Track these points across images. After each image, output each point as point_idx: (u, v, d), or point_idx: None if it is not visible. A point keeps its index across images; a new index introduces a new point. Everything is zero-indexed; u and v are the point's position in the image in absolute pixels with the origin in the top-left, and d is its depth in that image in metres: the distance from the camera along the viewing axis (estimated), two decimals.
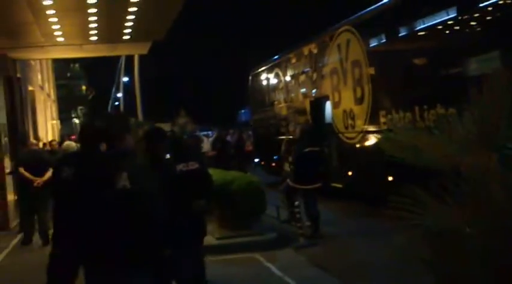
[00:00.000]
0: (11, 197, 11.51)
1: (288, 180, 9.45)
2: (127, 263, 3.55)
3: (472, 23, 8.87)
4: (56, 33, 11.99)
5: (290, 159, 9.84)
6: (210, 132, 28.82)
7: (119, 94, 43.72)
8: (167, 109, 30.35)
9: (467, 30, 8.91)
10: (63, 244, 4.55)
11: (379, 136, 10.33)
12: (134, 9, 10.46)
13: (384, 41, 11.05)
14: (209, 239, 8.53)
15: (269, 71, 18.07)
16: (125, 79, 40.53)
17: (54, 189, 4.71)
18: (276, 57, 17.60)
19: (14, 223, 11.36)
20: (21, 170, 10.01)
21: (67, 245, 4.50)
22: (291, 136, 10.93)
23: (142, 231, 3.53)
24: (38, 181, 9.70)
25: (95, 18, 10.90)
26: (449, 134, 2.98)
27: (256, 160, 19.82)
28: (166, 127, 10.66)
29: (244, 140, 22.40)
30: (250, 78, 20.28)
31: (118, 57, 34.95)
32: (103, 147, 4.13)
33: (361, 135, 11.43)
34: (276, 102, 17.31)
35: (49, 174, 8.90)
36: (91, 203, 3.74)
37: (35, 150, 10.67)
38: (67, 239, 4.50)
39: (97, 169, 4.19)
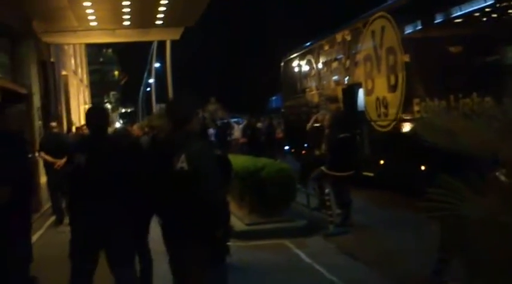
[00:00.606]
0: (44, 179, 11.70)
1: (322, 167, 9.36)
2: (185, 237, 3.80)
3: (510, 11, 8.63)
4: (89, 18, 12.11)
5: (323, 146, 9.76)
6: (240, 119, 28.81)
7: (151, 80, 44.05)
8: (198, 96, 30.44)
9: (505, 17, 8.66)
10: (79, 230, 4.61)
11: (412, 124, 10.17)
12: None
13: (420, 27, 10.84)
14: (239, 225, 8.58)
15: (301, 57, 17.93)
16: (157, 65, 40.78)
17: (69, 174, 4.76)
18: (308, 43, 17.45)
19: (47, 205, 11.56)
20: (43, 154, 10.28)
21: (84, 231, 4.56)
22: (317, 124, 10.83)
23: (197, 210, 3.70)
24: (58, 163, 9.84)
25: (128, 2, 10.98)
26: (488, 119, 2.89)
27: (287, 147, 19.76)
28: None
29: (275, 127, 22.36)
30: (282, 64, 20.18)
31: (150, 43, 35.16)
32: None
33: (394, 123, 11.26)
34: (307, 89, 17.19)
35: None
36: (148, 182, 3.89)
37: (55, 133, 10.90)
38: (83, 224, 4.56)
39: (108, 153, 4.34)
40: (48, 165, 10.44)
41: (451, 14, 9.79)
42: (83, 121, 21.16)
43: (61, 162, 9.69)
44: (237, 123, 26.81)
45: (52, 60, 15.47)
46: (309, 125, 10.97)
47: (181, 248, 3.88)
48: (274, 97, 35.82)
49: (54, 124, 11.22)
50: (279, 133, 21.99)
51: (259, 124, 21.41)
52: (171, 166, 3.76)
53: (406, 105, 10.76)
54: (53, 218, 10.70)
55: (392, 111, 11.35)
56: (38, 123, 12.43)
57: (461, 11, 9.49)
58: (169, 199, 3.83)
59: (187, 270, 3.89)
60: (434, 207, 2.85)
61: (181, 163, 3.72)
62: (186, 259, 3.87)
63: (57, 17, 12.20)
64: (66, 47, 19.82)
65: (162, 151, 4.09)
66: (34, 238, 8.45)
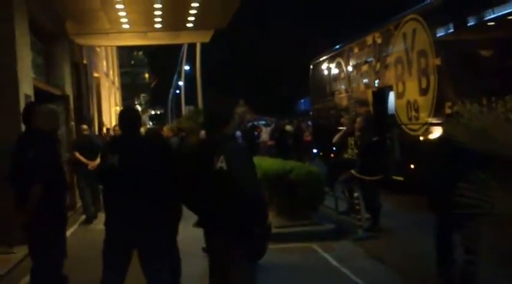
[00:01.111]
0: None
1: (352, 170, 9.29)
2: (224, 233, 4.00)
3: None
4: (121, 20, 12.26)
5: (355, 149, 9.68)
6: (264, 121, 28.84)
7: (180, 83, 44.39)
8: (227, 98, 30.59)
9: None
10: (113, 229, 4.66)
11: (444, 126, 10.04)
12: None
13: (452, 30, 10.71)
14: None
15: (330, 60, 17.87)
16: (187, 67, 41.08)
17: (101, 174, 4.82)
18: (337, 46, 17.38)
19: (80, 202, 11.73)
20: (77, 154, 10.56)
21: (118, 230, 4.61)
22: (343, 127, 10.73)
23: (236, 207, 3.91)
24: (91, 164, 10.27)
25: (159, 5, 11.07)
26: None
27: (315, 150, 19.69)
28: None
29: (303, 130, 22.31)
30: (311, 67, 20.13)
31: (180, 46, 35.46)
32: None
33: (425, 127, 11.14)
34: (336, 92, 17.12)
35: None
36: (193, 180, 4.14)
37: (86, 135, 11.16)
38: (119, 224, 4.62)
39: (138, 154, 4.46)
40: (79, 166, 10.66)
41: (484, 17, 9.65)
42: (113, 123, 21.45)
43: (94, 163, 9.95)
44: (265, 125, 26.82)
45: (84, 61, 15.70)
46: (336, 138, 10.81)
47: (220, 244, 4.05)
48: (302, 100, 35.78)
49: (85, 126, 11.47)
50: (307, 136, 21.93)
51: (288, 127, 21.41)
52: (211, 165, 3.96)
53: (438, 109, 10.63)
54: (84, 216, 10.88)
55: (423, 115, 11.23)
56: (71, 123, 12.63)
57: (494, 13, 9.35)
58: (209, 197, 4.01)
59: (225, 266, 4.05)
60: (467, 204, 2.82)
61: (221, 163, 3.93)
62: (225, 255, 4.04)
63: (89, 18, 12.38)
64: (98, 49, 20.10)
65: (200, 151, 4.26)
66: (67, 234, 8.58)
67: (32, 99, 9.06)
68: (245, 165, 4.03)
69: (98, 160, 9.71)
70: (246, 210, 3.91)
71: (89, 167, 10.33)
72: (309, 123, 23.92)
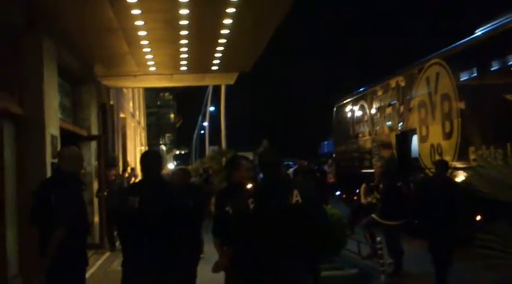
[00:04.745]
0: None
1: (373, 215, 9.23)
2: (295, 263, 4.17)
3: None
4: (148, 63, 12.50)
5: (376, 193, 9.63)
6: (292, 163, 28.78)
7: (205, 123, 44.79)
8: (251, 138, 30.71)
9: None
10: (131, 271, 4.67)
11: (468, 173, 9.94)
12: (223, 41, 10.74)
13: (475, 75, 10.71)
14: None
15: (354, 103, 17.92)
16: (211, 108, 41.48)
17: (119, 216, 4.84)
18: (361, 89, 17.45)
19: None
20: None
21: (136, 272, 4.63)
22: (372, 170, 10.70)
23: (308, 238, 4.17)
24: None
25: (185, 49, 11.29)
26: None
27: (338, 193, 19.57)
28: (249, 155, 10.77)
29: (326, 172, 22.22)
30: (334, 109, 20.19)
31: (206, 87, 35.92)
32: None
33: (449, 171, 11.02)
34: (360, 135, 17.11)
35: None
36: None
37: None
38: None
39: (160, 197, 4.53)
40: None
41: (508, 62, 9.65)
42: (138, 163, 21.58)
43: None
44: (289, 166, 26.75)
45: (111, 103, 15.98)
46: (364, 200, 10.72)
47: (288, 276, 4.20)
48: (326, 142, 35.73)
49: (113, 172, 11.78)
50: (331, 178, 21.83)
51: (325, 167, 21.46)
52: (286, 201, 4.18)
53: (462, 153, 10.55)
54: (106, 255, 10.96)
55: (447, 159, 11.12)
56: (94, 163, 12.79)
57: None
58: (279, 232, 4.15)
59: None
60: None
61: (296, 197, 4.18)
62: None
63: (117, 62, 12.65)
64: (125, 90, 20.46)
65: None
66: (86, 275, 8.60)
67: (58, 139, 9.22)
68: (317, 197, 4.47)
69: None
70: (321, 240, 4.32)
71: None
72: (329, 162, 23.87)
